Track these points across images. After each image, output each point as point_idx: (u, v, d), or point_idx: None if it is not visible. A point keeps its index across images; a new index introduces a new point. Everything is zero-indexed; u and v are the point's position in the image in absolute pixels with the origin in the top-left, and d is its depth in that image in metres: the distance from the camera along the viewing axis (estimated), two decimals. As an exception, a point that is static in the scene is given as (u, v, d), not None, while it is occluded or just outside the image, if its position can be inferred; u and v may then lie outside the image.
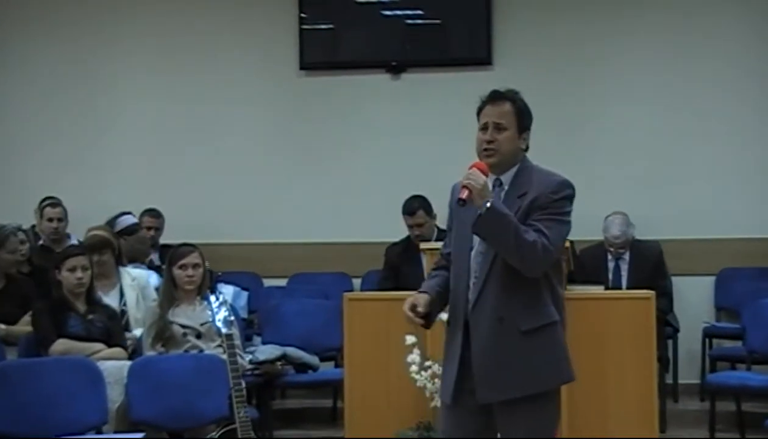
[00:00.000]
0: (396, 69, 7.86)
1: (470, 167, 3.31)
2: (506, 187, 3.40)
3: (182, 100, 8.05)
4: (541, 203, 3.31)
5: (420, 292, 3.44)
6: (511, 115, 3.41)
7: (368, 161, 7.84)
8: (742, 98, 7.56)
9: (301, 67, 7.94)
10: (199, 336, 5.36)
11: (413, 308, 3.38)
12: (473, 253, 3.38)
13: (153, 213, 7.45)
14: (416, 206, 6.62)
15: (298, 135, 7.97)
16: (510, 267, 3.28)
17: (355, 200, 7.81)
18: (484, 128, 3.41)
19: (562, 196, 3.35)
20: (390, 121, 7.84)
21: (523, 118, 3.45)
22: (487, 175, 3.29)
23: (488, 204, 3.21)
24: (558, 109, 7.69)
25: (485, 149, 3.38)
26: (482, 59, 7.73)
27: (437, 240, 6.00)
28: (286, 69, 7.95)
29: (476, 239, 3.37)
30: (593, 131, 7.70)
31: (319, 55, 7.95)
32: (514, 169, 3.41)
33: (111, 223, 6.65)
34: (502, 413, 3.34)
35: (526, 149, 3.47)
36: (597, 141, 7.69)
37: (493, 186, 3.36)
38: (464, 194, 3.22)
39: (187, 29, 8.07)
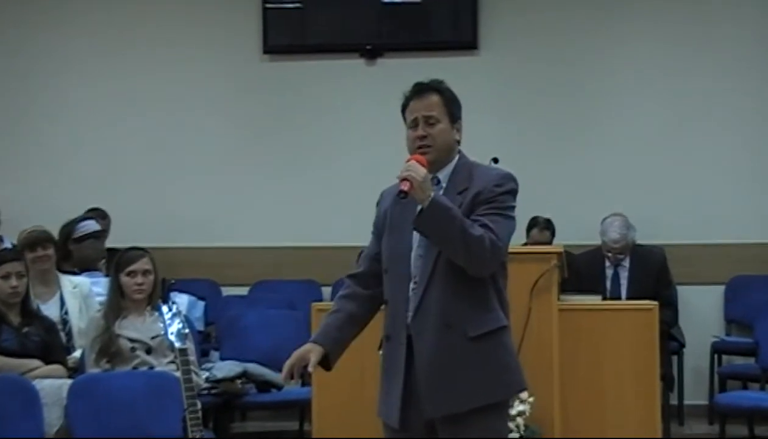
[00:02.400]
0: (371, 53, 7.86)
1: (408, 160, 3.34)
2: (444, 185, 3.45)
3: (131, 88, 8.03)
4: (485, 197, 3.36)
5: (313, 341, 3.46)
6: (440, 106, 3.47)
7: (340, 156, 7.84)
8: (755, 91, 7.63)
9: (265, 51, 7.93)
10: (149, 351, 5.33)
11: (300, 363, 3.41)
12: (413, 256, 3.41)
13: (98, 213, 7.39)
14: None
15: (261, 127, 7.95)
16: (454, 269, 3.31)
17: (326, 200, 7.80)
18: (413, 125, 3.47)
19: (506, 189, 3.41)
20: (364, 112, 7.84)
21: (453, 108, 3.51)
22: (426, 168, 3.32)
23: (431, 196, 3.25)
24: (550, 101, 7.73)
25: (420, 146, 3.43)
26: (467, 43, 7.76)
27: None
28: (247, 53, 7.94)
29: (415, 241, 3.40)
30: (590, 125, 7.73)
31: (285, 38, 7.94)
32: (451, 165, 3.47)
33: (68, 228, 6.57)
34: (448, 429, 3.35)
35: (460, 142, 3.52)
36: (594, 136, 7.72)
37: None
38: (405, 186, 3.25)
39: (138, 10, 8.04)
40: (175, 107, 8.00)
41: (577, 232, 7.24)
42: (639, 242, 6.98)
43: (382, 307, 3.53)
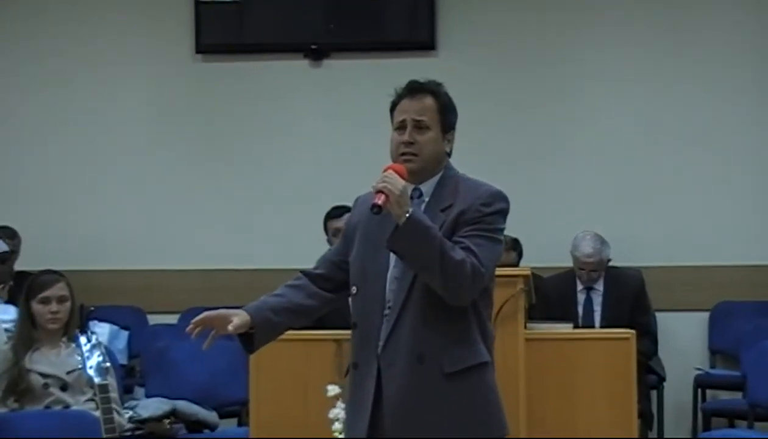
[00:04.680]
0: (317, 54, 7.86)
1: (385, 170, 3.36)
2: (427, 199, 3.47)
3: (45, 93, 7.98)
4: (470, 217, 3.38)
5: (246, 309, 3.47)
6: (433, 112, 3.49)
7: (281, 168, 7.82)
8: (741, 100, 7.69)
9: (198, 51, 7.91)
10: (64, 388, 5.30)
11: (219, 322, 3.41)
12: (388, 277, 3.41)
13: (6, 232, 7.34)
14: (343, 210, 6.58)
15: (193, 135, 7.92)
16: (432, 295, 3.32)
17: (266, 217, 7.78)
18: (400, 127, 3.48)
19: (495, 209, 3.43)
20: (309, 119, 7.83)
21: (448, 116, 3.53)
22: (405, 180, 3.34)
23: (408, 213, 3.24)
24: (516, 108, 7.76)
25: (403, 153, 3.45)
26: (424, 43, 7.78)
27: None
28: (178, 53, 7.91)
29: (392, 261, 3.41)
30: (560, 136, 7.76)
31: (221, 36, 7.92)
32: (436, 178, 3.49)
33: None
34: None
35: (450, 154, 3.54)
36: (565, 148, 7.75)
37: (411, 197, 3.41)
38: (380, 200, 3.26)
39: (52, 5, 7.98)
40: (95, 113, 7.94)
41: (545, 253, 7.26)
42: (614, 263, 7.01)
43: (351, 331, 3.52)
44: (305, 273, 3.63)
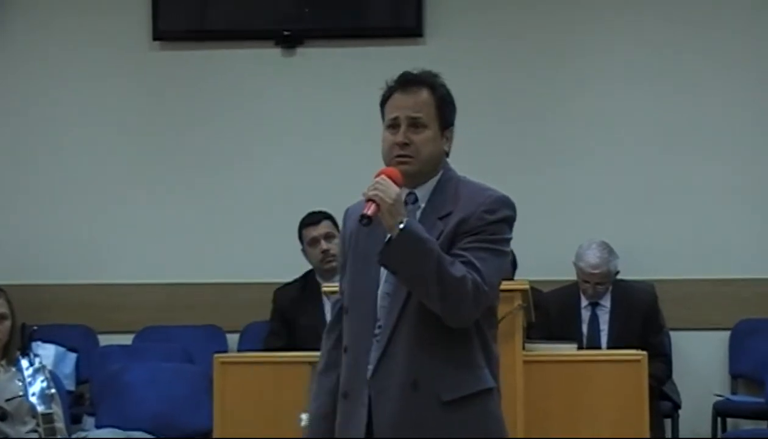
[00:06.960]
0: (290, 41, 7.86)
1: (377, 175, 3.35)
2: (423, 205, 3.46)
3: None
4: (472, 226, 3.37)
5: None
6: (430, 107, 3.48)
7: (250, 169, 7.81)
8: (760, 100, 7.71)
9: (156, 38, 7.91)
10: (3, 417, 5.29)
11: None
12: (379, 294, 3.41)
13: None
14: (320, 217, 6.63)
15: (150, 133, 7.91)
16: (428, 313, 3.31)
17: (234, 224, 7.77)
18: (393, 126, 3.46)
19: (499, 217, 3.43)
20: (280, 114, 7.83)
21: (446, 111, 3.52)
22: (400, 186, 3.34)
23: (402, 224, 3.23)
24: (511, 102, 7.77)
25: (398, 155, 3.43)
26: (410, 30, 7.79)
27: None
28: (133, 40, 7.91)
29: (383, 275, 3.40)
30: (561, 135, 7.77)
31: (181, 22, 7.92)
32: (433, 181, 3.49)
33: None
34: None
35: (448, 153, 3.54)
36: (566, 146, 7.76)
37: (405, 203, 3.40)
38: (370, 210, 3.26)
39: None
40: (40, 108, 7.93)
41: (545, 265, 7.26)
42: (623, 276, 7.00)
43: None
44: (334, 323, 3.62)
